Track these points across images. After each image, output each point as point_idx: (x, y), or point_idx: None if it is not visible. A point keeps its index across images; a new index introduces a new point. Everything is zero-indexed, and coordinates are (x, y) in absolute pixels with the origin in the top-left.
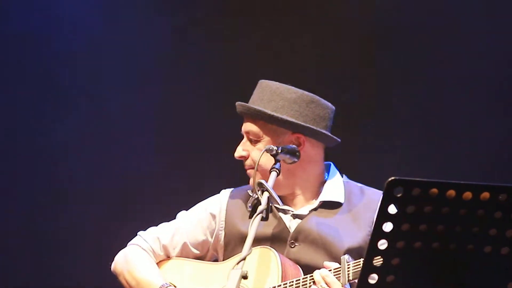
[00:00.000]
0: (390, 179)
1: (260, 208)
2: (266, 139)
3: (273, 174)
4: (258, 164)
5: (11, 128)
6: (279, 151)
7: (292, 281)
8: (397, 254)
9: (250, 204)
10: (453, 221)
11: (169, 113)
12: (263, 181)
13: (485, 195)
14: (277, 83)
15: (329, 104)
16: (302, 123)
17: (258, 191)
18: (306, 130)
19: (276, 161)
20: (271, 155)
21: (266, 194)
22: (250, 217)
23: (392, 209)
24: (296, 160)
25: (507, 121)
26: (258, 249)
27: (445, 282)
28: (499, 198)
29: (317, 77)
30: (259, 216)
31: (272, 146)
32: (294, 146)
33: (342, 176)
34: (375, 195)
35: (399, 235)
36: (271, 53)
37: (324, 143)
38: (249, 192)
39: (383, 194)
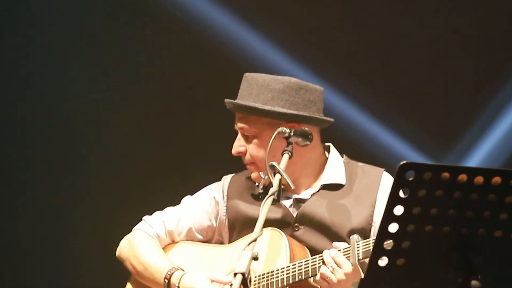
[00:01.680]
0: (402, 162)
1: (272, 190)
2: (261, 133)
3: (286, 156)
4: (269, 147)
5: None
6: (292, 133)
7: (301, 262)
8: (408, 238)
9: (261, 186)
10: (464, 206)
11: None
12: (275, 163)
13: (497, 179)
14: (263, 74)
15: (318, 86)
16: (294, 112)
17: (270, 173)
18: (299, 118)
19: (288, 143)
20: (283, 137)
21: (278, 176)
22: (261, 199)
23: (403, 193)
24: (308, 143)
25: None
26: (267, 231)
27: (455, 266)
28: (510, 183)
29: None
30: (271, 198)
31: (284, 128)
32: (306, 129)
33: (343, 157)
34: (377, 174)
35: (410, 218)
36: None
37: (319, 126)
38: (261, 174)
39: (395, 177)
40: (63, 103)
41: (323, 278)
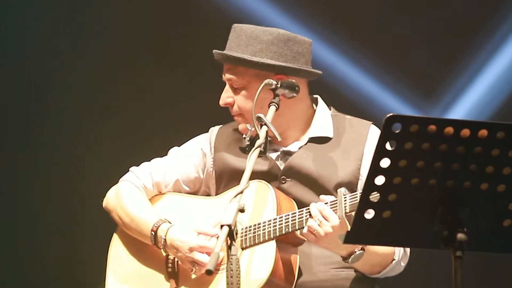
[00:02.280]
0: (388, 115)
1: (258, 142)
2: (248, 85)
3: (272, 108)
4: (256, 99)
5: None
6: (279, 85)
7: (288, 215)
8: (394, 190)
9: (248, 138)
10: (450, 158)
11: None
12: (261, 115)
13: (483, 132)
14: (252, 26)
15: (306, 38)
16: (283, 64)
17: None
18: (288, 70)
19: (275, 95)
20: (270, 89)
21: (264, 128)
22: (248, 151)
23: (389, 145)
24: (295, 94)
25: None
26: (254, 183)
27: (441, 219)
28: (496, 136)
29: None
30: (257, 150)
31: (271, 80)
32: (293, 81)
33: (330, 109)
34: (364, 128)
35: (397, 171)
36: None
37: (307, 78)
38: (248, 126)
39: (382, 130)
40: (44, 50)
41: (310, 231)
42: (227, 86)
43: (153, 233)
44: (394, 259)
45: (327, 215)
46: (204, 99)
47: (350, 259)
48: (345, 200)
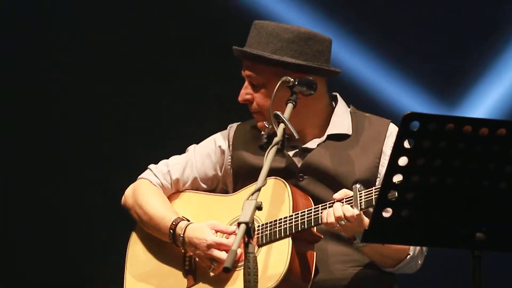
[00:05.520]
0: (406, 113)
1: (276, 140)
2: (268, 83)
3: (290, 105)
4: (273, 97)
5: None
6: (296, 83)
7: (304, 212)
8: (412, 189)
9: (265, 136)
10: (468, 157)
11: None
12: (279, 113)
13: (502, 131)
14: (272, 23)
15: (326, 36)
16: (303, 63)
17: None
18: (307, 69)
19: (293, 93)
20: (287, 87)
21: (282, 125)
22: (265, 148)
23: (407, 144)
24: (313, 92)
25: None
26: (270, 180)
27: (458, 218)
28: None
29: None
30: (275, 148)
31: (288, 78)
32: (311, 78)
33: (349, 107)
34: (383, 125)
35: (414, 169)
36: None
37: (326, 76)
38: (265, 123)
39: (399, 128)
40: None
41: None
42: (246, 83)
43: (172, 231)
44: (409, 254)
45: (349, 217)
46: (223, 96)
47: (355, 241)
48: (360, 197)
